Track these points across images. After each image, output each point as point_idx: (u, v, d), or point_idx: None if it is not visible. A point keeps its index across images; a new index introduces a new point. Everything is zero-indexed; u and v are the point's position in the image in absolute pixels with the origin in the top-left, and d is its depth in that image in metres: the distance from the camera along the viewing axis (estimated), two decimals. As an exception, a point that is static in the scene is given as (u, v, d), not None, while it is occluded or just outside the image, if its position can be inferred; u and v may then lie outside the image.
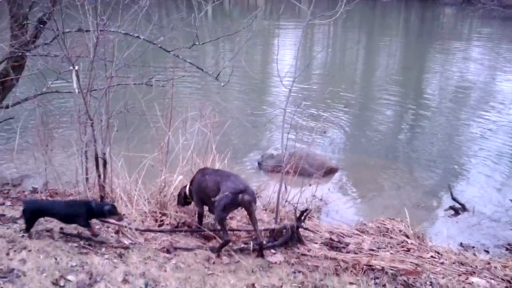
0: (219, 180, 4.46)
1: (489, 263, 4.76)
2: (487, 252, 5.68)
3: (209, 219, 5.14)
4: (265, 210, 5.98)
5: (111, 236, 4.51)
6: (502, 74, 16.55)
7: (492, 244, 5.96)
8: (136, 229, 4.63)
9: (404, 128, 10.97)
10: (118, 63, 4.72)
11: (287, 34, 24.41)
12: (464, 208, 6.90)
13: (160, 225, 4.94)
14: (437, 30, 30.43)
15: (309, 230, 5.11)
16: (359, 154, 9.15)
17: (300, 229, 4.86)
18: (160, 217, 5.06)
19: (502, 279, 4.36)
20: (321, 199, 6.84)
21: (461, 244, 5.84)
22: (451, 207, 6.94)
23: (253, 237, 4.73)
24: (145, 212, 5.13)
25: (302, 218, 4.80)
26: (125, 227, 4.62)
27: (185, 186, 5.01)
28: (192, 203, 5.09)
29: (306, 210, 4.79)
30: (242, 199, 4.28)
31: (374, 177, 8.09)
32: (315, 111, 11.12)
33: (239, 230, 4.98)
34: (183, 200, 5.07)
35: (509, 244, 5.90)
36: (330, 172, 7.99)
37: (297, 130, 5.53)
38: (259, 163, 8.32)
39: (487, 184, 7.84)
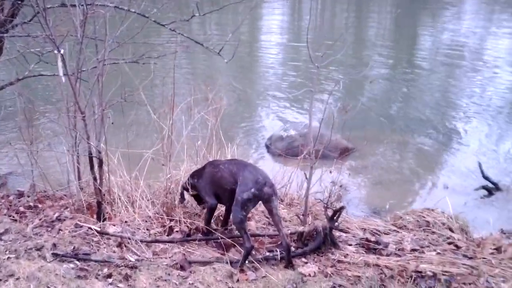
0: (235, 171, 3.86)
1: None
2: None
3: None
4: (282, 202, 5.20)
5: (113, 252, 3.79)
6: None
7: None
8: (142, 241, 3.92)
9: (410, 97, 10.23)
10: (111, 43, 3.90)
11: (270, 4, 23.36)
12: (497, 188, 6.29)
13: (169, 234, 4.19)
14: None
15: (343, 231, 4.42)
16: (369, 130, 8.30)
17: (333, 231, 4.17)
18: (168, 222, 4.31)
19: None
20: (340, 186, 6.14)
21: (502, 231, 5.12)
22: (484, 187, 6.32)
23: (279, 242, 4.05)
24: (150, 217, 4.37)
25: (335, 217, 4.11)
26: (129, 238, 3.90)
27: (185, 182, 4.31)
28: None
29: (341, 208, 4.07)
30: (261, 192, 3.68)
31: (392, 155, 7.47)
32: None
33: (262, 236, 4.25)
34: (184, 197, 4.41)
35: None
36: (344, 152, 7.29)
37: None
38: (267, 146, 7.61)
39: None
